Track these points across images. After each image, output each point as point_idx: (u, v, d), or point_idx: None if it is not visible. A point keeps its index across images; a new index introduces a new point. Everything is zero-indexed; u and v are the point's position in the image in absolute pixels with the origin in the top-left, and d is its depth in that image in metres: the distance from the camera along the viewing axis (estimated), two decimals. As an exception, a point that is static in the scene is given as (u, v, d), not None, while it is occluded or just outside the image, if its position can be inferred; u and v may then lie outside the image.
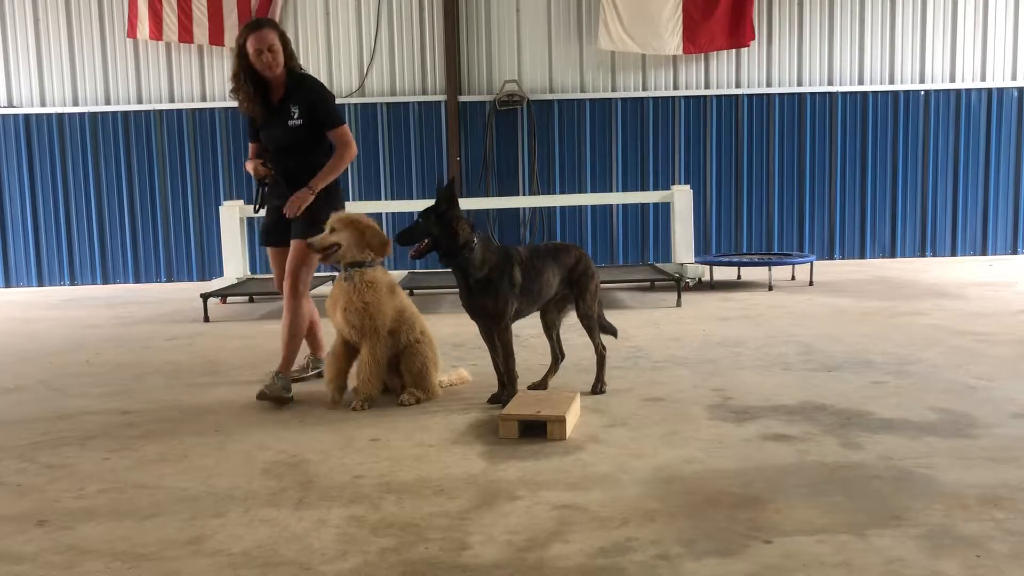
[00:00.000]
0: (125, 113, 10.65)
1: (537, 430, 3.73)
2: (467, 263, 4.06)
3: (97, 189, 10.70)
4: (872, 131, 10.85)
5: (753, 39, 10.57)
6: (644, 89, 10.82)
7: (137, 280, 10.82)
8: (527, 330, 6.43)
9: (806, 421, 3.86)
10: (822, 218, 10.96)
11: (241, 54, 4.47)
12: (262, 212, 4.93)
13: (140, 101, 10.71)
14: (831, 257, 10.91)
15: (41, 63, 10.67)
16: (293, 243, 4.61)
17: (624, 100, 10.76)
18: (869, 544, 2.57)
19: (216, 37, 10.41)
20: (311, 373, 5.07)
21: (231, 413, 4.35)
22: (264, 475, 3.37)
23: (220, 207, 9.17)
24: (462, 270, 4.10)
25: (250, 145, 4.79)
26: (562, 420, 3.70)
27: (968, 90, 10.84)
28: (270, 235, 4.84)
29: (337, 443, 3.76)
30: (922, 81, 10.86)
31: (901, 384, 4.50)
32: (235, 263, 8.93)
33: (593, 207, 10.72)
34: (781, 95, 10.80)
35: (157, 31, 10.36)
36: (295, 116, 4.54)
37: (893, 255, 10.97)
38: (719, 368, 5.01)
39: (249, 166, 4.69)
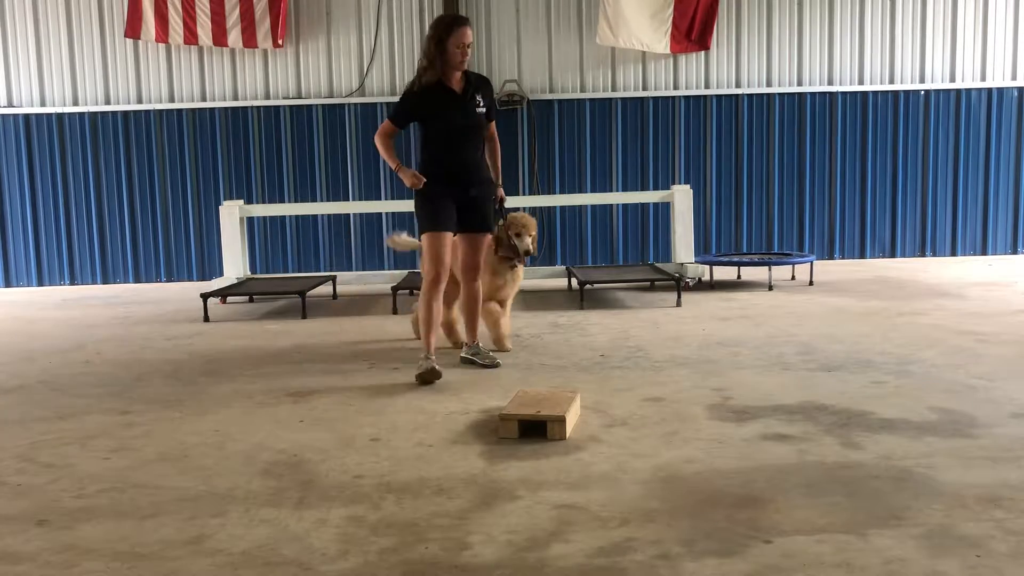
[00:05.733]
0: (125, 113, 10.66)
1: (537, 430, 3.73)
2: None
3: (97, 189, 10.70)
4: (872, 131, 10.85)
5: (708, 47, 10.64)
6: (644, 89, 10.82)
7: (137, 280, 10.82)
8: (527, 329, 6.43)
9: (806, 421, 3.86)
10: (822, 218, 10.95)
11: (441, 43, 4.78)
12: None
13: (140, 101, 10.71)
14: (831, 257, 10.91)
15: (41, 63, 10.67)
16: (481, 236, 5.16)
17: (624, 100, 10.76)
18: (869, 544, 2.57)
19: (219, 38, 10.41)
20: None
21: (231, 413, 4.35)
22: (264, 475, 3.37)
23: (220, 207, 9.17)
24: None
25: (388, 125, 5.02)
26: (562, 420, 3.70)
27: (968, 90, 10.83)
28: (450, 222, 5.03)
29: (337, 443, 3.76)
30: (922, 81, 10.85)
31: (901, 384, 4.50)
32: (235, 263, 8.93)
33: (593, 207, 10.72)
34: (781, 95, 10.80)
35: (163, 34, 10.37)
36: (480, 105, 4.99)
37: (893, 255, 10.96)
38: (719, 368, 5.00)
39: (408, 178, 4.92)
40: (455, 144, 4.96)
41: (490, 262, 5.43)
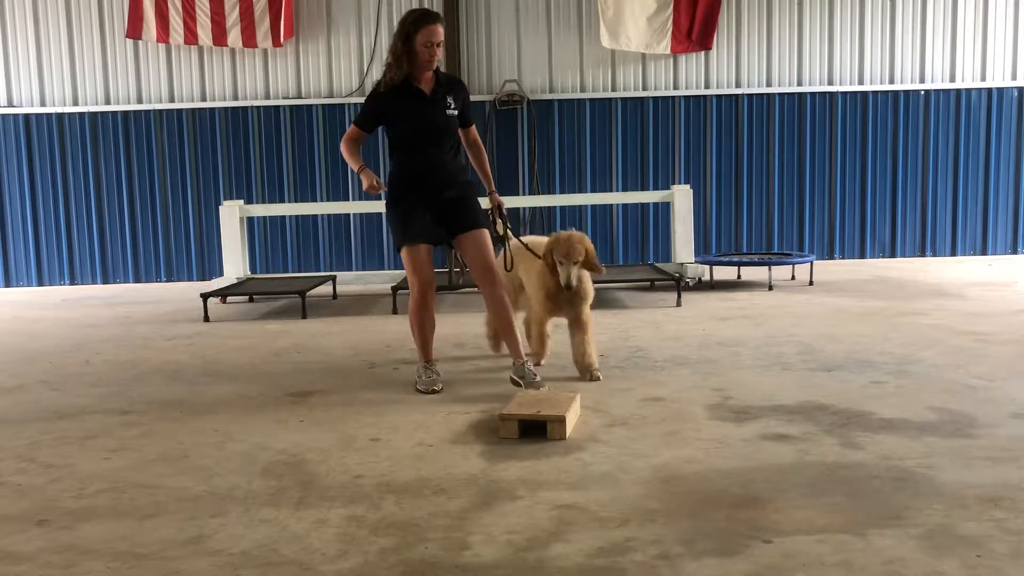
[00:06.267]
0: (125, 113, 10.66)
1: (537, 430, 3.72)
2: None
3: (97, 189, 10.71)
4: (872, 131, 10.86)
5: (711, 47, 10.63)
6: (644, 89, 10.82)
7: (137, 280, 10.82)
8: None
9: (806, 421, 3.86)
10: (822, 218, 10.96)
11: (408, 40, 4.45)
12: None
13: (140, 101, 10.72)
14: (831, 257, 10.91)
15: (41, 63, 10.68)
16: (475, 233, 4.61)
17: (624, 100, 10.77)
18: (869, 544, 2.57)
19: (219, 38, 10.42)
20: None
21: (231, 413, 4.35)
22: (264, 475, 3.37)
23: (220, 207, 9.17)
24: None
25: (354, 129, 4.68)
26: (562, 420, 3.70)
27: (968, 90, 10.84)
28: (425, 232, 4.62)
29: (337, 443, 3.76)
30: (922, 81, 10.86)
31: (901, 384, 4.49)
32: (235, 263, 8.93)
33: (593, 207, 10.73)
34: (781, 95, 10.80)
35: (164, 34, 10.39)
36: (452, 107, 4.62)
37: (893, 255, 10.97)
38: (719, 368, 5.00)
39: (367, 180, 4.56)
40: (423, 147, 4.59)
41: (544, 280, 4.76)
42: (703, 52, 10.71)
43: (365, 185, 4.57)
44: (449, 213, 4.63)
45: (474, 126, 4.87)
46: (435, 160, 4.61)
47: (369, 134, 4.73)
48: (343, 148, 4.71)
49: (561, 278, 4.64)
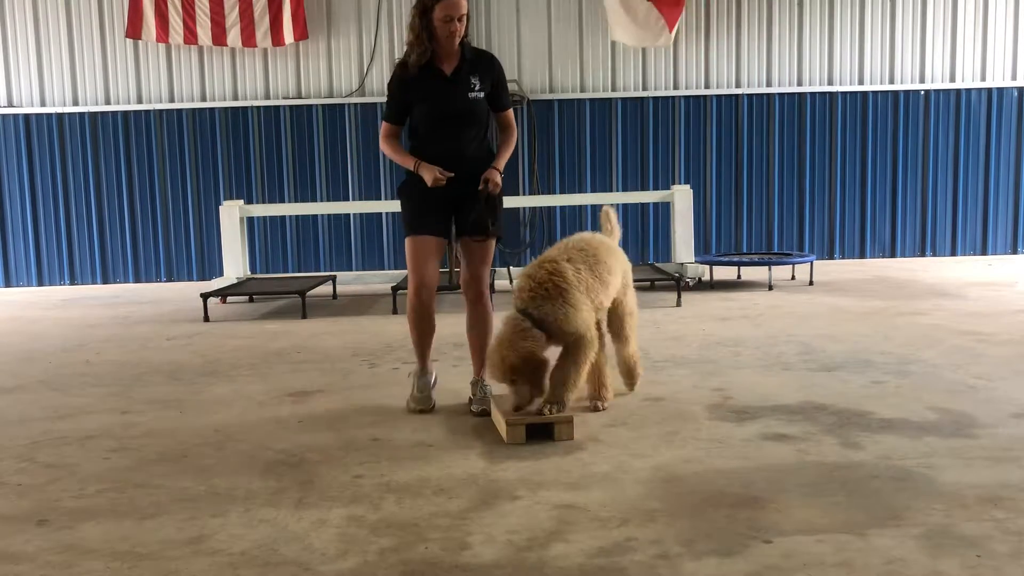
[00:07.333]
0: (125, 113, 10.66)
1: (539, 432, 3.71)
2: None
3: (97, 189, 10.70)
4: (872, 131, 10.86)
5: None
6: (644, 89, 10.82)
7: (137, 280, 10.82)
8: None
9: (806, 421, 3.86)
10: (822, 218, 10.96)
11: (425, 15, 4.04)
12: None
13: (140, 101, 10.71)
14: (831, 257, 10.91)
15: (41, 63, 10.67)
16: (478, 243, 4.22)
17: (624, 100, 10.77)
18: (869, 544, 2.57)
19: (219, 38, 10.43)
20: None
21: (231, 413, 4.35)
22: (264, 475, 3.37)
23: (220, 207, 9.17)
24: None
25: (386, 126, 4.27)
26: (570, 421, 3.69)
27: (968, 90, 10.84)
28: (434, 223, 4.21)
29: (337, 443, 3.76)
30: (922, 81, 10.86)
31: (901, 384, 4.50)
32: (235, 263, 8.93)
33: (593, 207, 10.72)
34: (781, 95, 10.81)
35: (164, 34, 10.39)
36: (476, 88, 4.17)
37: (893, 255, 10.97)
38: (719, 368, 5.00)
39: (428, 174, 4.08)
40: (442, 134, 4.16)
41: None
42: (703, 52, 10.70)
43: (429, 181, 4.08)
44: (464, 208, 4.19)
45: (510, 110, 4.37)
46: (455, 148, 4.17)
47: (402, 126, 4.29)
48: (385, 150, 4.31)
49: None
